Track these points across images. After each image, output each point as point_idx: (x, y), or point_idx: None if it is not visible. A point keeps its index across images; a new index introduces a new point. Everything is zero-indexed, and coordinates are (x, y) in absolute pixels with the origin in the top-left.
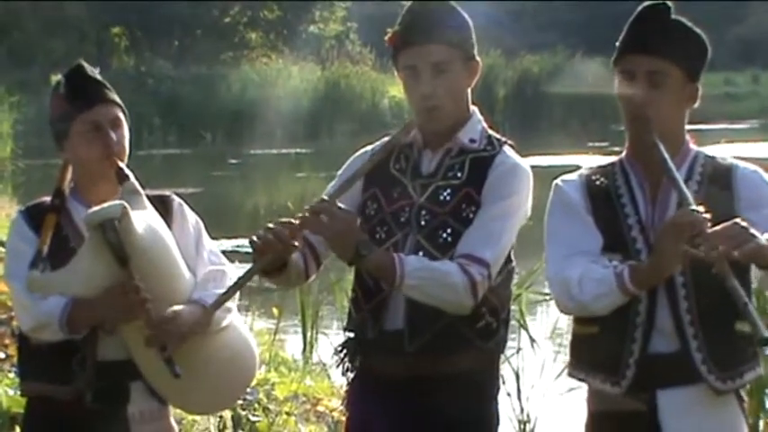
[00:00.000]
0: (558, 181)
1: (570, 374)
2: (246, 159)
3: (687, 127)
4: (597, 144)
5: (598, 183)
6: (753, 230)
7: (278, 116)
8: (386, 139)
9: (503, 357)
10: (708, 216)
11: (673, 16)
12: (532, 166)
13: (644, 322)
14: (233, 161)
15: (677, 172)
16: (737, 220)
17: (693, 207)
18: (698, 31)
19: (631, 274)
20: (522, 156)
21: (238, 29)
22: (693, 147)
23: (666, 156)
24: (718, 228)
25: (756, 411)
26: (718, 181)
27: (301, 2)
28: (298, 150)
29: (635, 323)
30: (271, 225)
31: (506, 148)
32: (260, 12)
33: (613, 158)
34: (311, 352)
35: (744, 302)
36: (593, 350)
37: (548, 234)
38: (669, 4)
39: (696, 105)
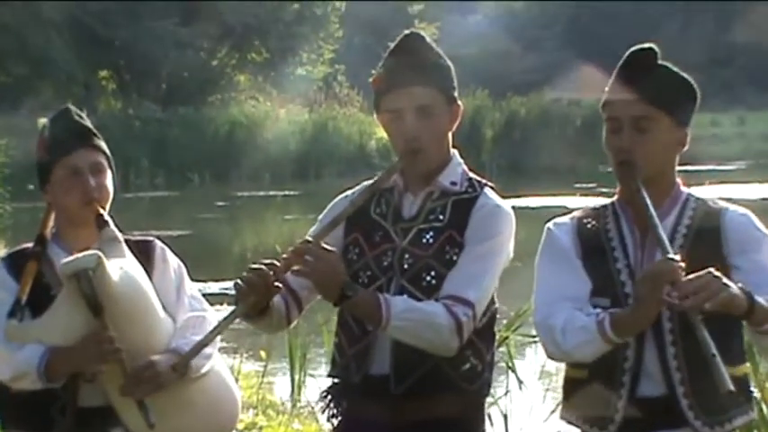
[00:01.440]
0: (549, 224)
1: (562, 417)
2: (234, 201)
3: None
4: (585, 185)
5: (589, 226)
6: (725, 280)
7: (265, 158)
8: (366, 183)
9: (491, 399)
10: (682, 265)
11: (660, 61)
12: (520, 208)
13: (632, 367)
14: (220, 203)
15: (665, 219)
16: (711, 270)
17: (671, 255)
18: (685, 76)
19: (612, 323)
20: (510, 197)
21: (226, 71)
22: (684, 190)
23: (648, 202)
24: (691, 277)
25: None
26: (708, 225)
27: (289, 44)
28: (285, 192)
29: (623, 368)
30: (255, 266)
31: (487, 190)
32: (247, 54)
33: (606, 201)
34: (299, 395)
35: (711, 354)
36: (582, 394)
37: (537, 278)
38: (656, 49)
39: (685, 149)
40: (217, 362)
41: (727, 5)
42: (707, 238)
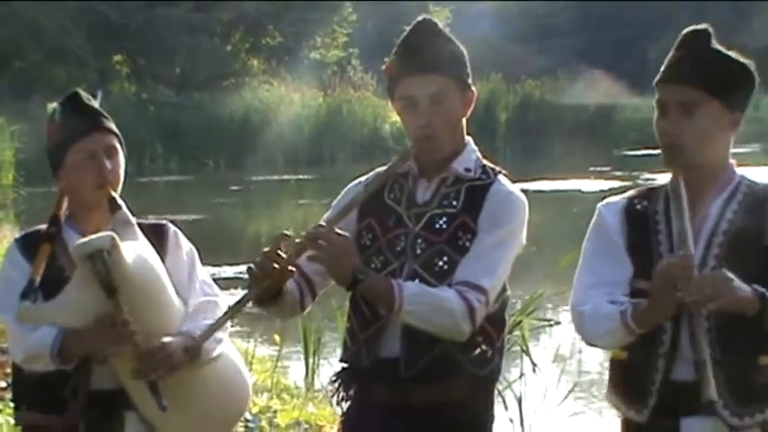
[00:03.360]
0: (600, 204)
1: (607, 399)
2: (248, 186)
3: None
4: (599, 168)
5: (639, 207)
6: (735, 281)
7: (280, 142)
8: (380, 169)
9: (505, 383)
10: (694, 263)
11: (713, 45)
12: (534, 191)
13: (667, 352)
14: (235, 188)
15: (714, 202)
16: (723, 270)
17: (689, 252)
18: (740, 58)
19: (633, 314)
20: (524, 181)
21: (240, 56)
22: (738, 173)
23: (682, 191)
24: (702, 276)
25: None
26: (756, 209)
27: (303, 28)
28: (299, 176)
29: (658, 352)
30: (267, 250)
31: (501, 177)
32: (261, 39)
33: (662, 182)
34: (313, 379)
35: (702, 359)
36: (622, 375)
37: (581, 259)
38: (709, 30)
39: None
40: (227, 346)
41: None
42: (754, 222)
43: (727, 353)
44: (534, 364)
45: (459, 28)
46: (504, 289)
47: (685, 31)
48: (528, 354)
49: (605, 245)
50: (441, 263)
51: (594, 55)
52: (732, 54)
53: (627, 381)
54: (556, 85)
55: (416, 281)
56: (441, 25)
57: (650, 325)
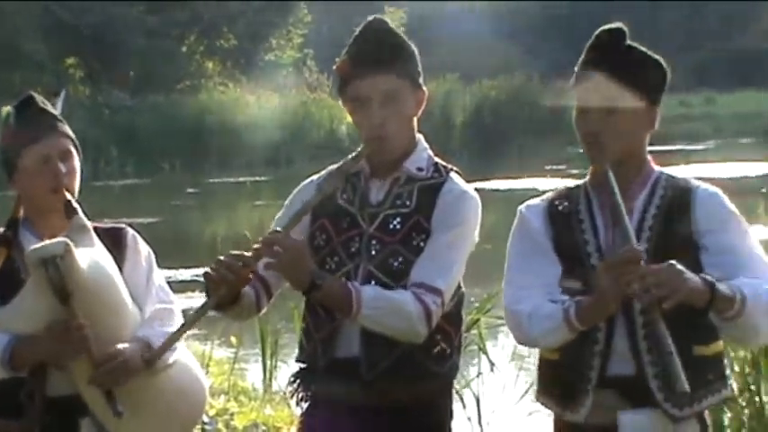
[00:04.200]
0: (521, 207)
1: (537, 399)
2: (205, 188)
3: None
4: (555, 167)
5: (560, 207)
6: (685, 273)
7: (236, 144)
8: (332, 167)
9: (463, 382)
10: (643, 256)
11: (628, 42)
12: (491, 190)
13: (602, 349)
14: (191, 190)
15: (636, 198)
16: (673, 262)
17: (634, 245)
18: (654, 55)
19: (577, 311)
20: (481, 180)
21: (195, 58)
22: (656, 169)
23: (615, 187)
24: (652, 269)
25: None
26: (678, 204)
27: (258, 30)
28: (256, 178)
29: (593, 350)
30: (223, 258)
31: (453, 175)
32: (216, 41)
33: (579, 182)
34: (271, 380)
35: (668, 351)
36: (554, 376)
37: (508, 262)
38: (624, 28)
39: (655, 128)
40: (183, 351)
41: None
42: (677, 216)
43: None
44: (492, 363)
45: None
46: (458, 286)
47: (600, 29)
48: (485, 352)
49: (533, 246)
50: (396, 263)
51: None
52: (647, 50)
53: (560, 381)
54: (512, 84)
55: (372, 282)
56: (392, 24)
57: (595, 321)
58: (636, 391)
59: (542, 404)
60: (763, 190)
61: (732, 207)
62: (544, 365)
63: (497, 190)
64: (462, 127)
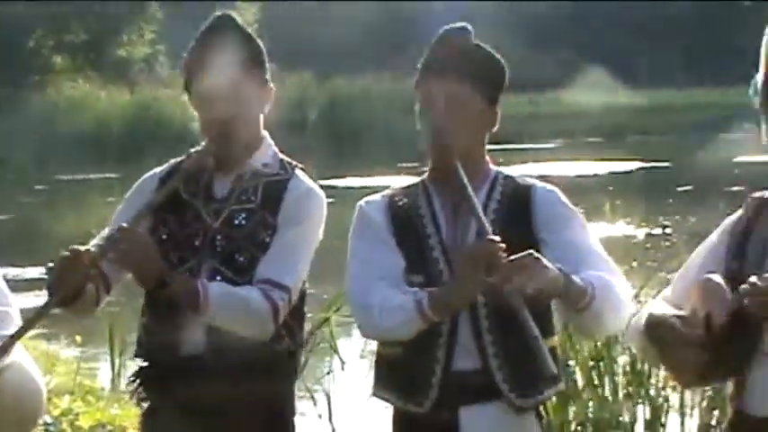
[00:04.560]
0: (361, 202)
1: (375, 395)
2: (54, 185)
3: (493, 147)
4: (407, 164)
5: (401, 204)
6: (545, 262)
7: (86, 141)
8: (174, 160)
9: (314, 380)
10: (503, 246)
11: (473, 41)
12: (344, 188)
13: (446, 341)
14: (40, 187)
15: (476, 196)
16: (532, 251)
17: (490, 237)
18: (496, 55)
19: (431, 302)
20: (334, 177)
21: (42, 52)
22: (494, 167)
23: (467, 184)
24: (512, 259)
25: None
26: (518, 201)
27: (108, 25)
28: (107, 175)
29: (438, 343)
30: (67, 254)
31: (299, 172)
32: (65, 36)
33: (417, 179)
34: (119, 379)
35: (534, 336)
36: (397, 370)
37: (351, 257)
38: (469, 28)
39: (496, 128)
40: (18, 352)
41: None
42: (517, 214)
43: (507, 336)
44: (343, 361)
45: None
46: (303, 282)
47: (445, 28)
48: (336, 350)
49: (376, 239)
50: (242, 259)
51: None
52: (491, 50)
53: (403, 374)
54: (364, 82)
55: (218, 278)
56: (239, 21)
57: (450, 313)
58: (481, 384)
59: (382, 398)
60: (611, 188)
61: (570, 204)
62: (385, 359)
63: (350, 187)
64: (316, 124)
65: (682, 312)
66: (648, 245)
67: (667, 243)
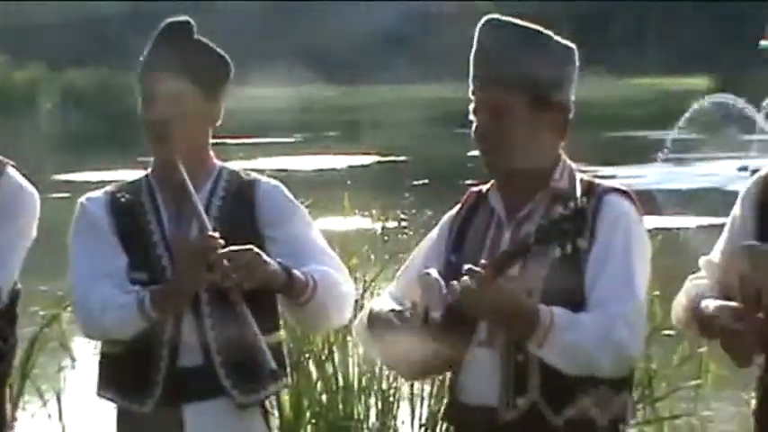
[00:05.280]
0: (82, 199)
1: (99, 394)
2: None
3: (233, 142)
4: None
5: (123, 200)
6: (264, 257)
7: None
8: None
9: (44, 378)
10: (222, 242)
11: (196, 36)
12: (81, 182)
13: (170, 339)
14: None
15: (200, 192)
16: (251, 247)
17: (209, 233)
18: (219, 51)
19: (152, 300)
20: (71, 172)
21: None
22: (218, 163)
23: (187, 179)
24: (231, 254)
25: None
26: (242, 197)
27: None
28: None
29: (161, 340)
30: None
31: (9, 170)
32: None
33: (141, 174)
34: None
35: (253, 332)
36: (120, 369)
37: (72, 255)
38: (191, 22)
39: (219, 123)
40: None
41: None
42: (241, 210)
43: (230, 333)
44: (74, 359)
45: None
46: (15, 282)
47: (168, 21)
48: (67, 348)
49: (98, 237)
50: None
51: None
52: (212, 45)
53: (127, 373)
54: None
55: None
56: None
57: (172, 309)
58: (205, 381)
59: (105, 398)
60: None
61: (294, 199)
62: (108, 359)
63: (87, 182)
64: (49, 114)
65: (398, 307)
66: (386, 238)
67: (404, 236)
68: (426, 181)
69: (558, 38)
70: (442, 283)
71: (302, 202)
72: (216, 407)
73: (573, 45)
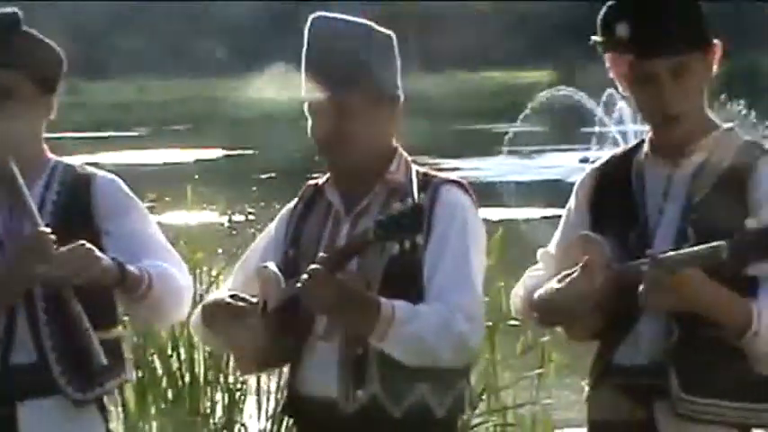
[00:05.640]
0: None
1: None
2: None
3: (79, 135)
4: None
5: None
6: (97, 252)
7: None
8: None
9: None
10: (53, 237)
11: (24, 28)
12: None
13: (3, 335)
14: None
15: (33, 187)
16: (84, 242)
17: (40, 228)
18: (49, 42)
19: None
20: None
21: None
22: (53, 157)
23: (17, 174)
24: (64, 250)
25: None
26: (77, 192)
27: None
28: None
29: None
30: None
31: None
32: None
33: None
34: None
35: (85, 328)
36: None
37: None
38: (18, 13)
39: (52, 116)
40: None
41: None
42: (77, 205)
43: (64, 329)
44: None
45: None
46: None
47: (2, 11)
48: None
49: None
50: None
51: None
52: (41, 37)
53: None
54: None
55: None
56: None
57: (2, 306)
58: (39, 379)
59: None
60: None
61: (132, 194)
62: None
63: None
64: None
65: (230, 300)
66: (234, 231)
67: (252, 230)
68: (273, 174)
69: (378, 27)
70: (281, 276)
71: (147, 197)
72: (51, 405)
73: (391, 32)
